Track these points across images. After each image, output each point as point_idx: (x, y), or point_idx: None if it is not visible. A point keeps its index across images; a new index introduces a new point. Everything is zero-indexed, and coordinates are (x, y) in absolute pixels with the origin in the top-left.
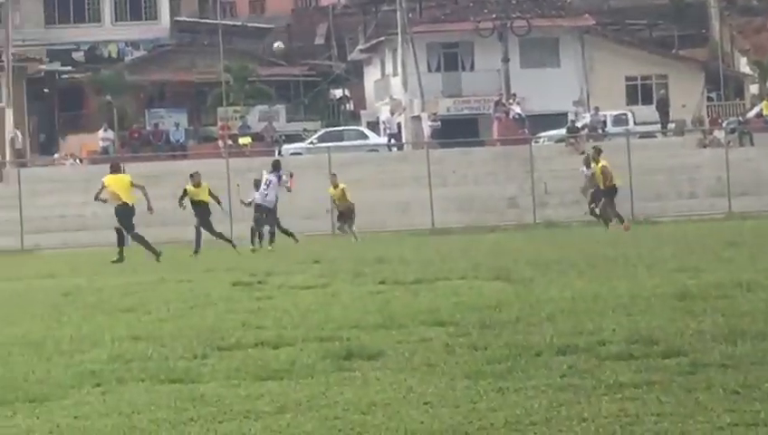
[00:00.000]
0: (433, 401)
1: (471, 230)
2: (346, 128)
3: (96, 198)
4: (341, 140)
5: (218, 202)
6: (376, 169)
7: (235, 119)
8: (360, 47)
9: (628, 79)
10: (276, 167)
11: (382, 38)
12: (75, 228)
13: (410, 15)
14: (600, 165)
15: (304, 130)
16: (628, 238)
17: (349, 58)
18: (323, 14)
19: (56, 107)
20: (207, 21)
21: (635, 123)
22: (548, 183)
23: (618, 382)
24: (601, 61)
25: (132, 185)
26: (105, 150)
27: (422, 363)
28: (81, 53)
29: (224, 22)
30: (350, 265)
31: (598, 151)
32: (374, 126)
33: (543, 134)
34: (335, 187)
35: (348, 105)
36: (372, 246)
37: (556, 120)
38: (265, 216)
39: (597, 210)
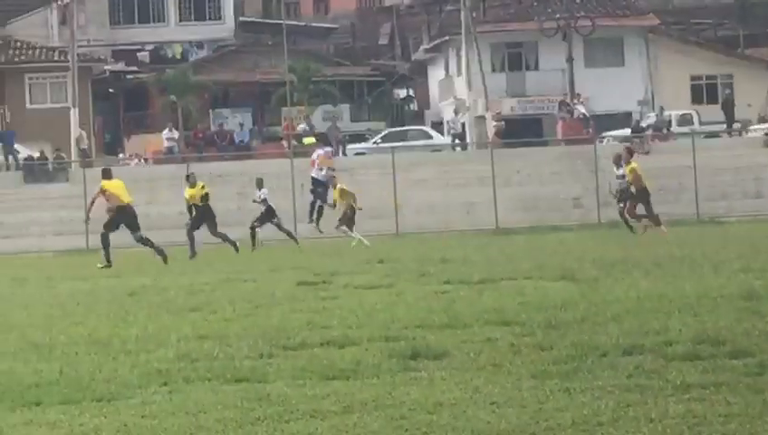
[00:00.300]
0: (499, 401)
1: (535, 230)
2: (410, 128)
3: (91, 204)
4: (405, 139)
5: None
6: (440, 169)
7: (300, 118)
8: (423, 47)
9: (693, 78)
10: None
11: (446, 38)
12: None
13: (474, 15)
14: (629, 166)
15: (368, 129)
16: (690, 239)
17: (413, 58)
18: (387, 13)
19: (121, 107)
20: (271, 21)
21: (700, 123)
22: (612, 183)
23: (685, 383)
24: (666, 60)
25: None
26: (170, 151)
27: (488, 363)
28: (146, 54)
29: (288, 22)
30: (415, 264)
31: (630, 152)
32: (438, 126)
33: (608, 134)
34: (334, 187)
35: (412, 105)
36: (436, 246)
37: (620, 119)
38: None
39: (625, 212)
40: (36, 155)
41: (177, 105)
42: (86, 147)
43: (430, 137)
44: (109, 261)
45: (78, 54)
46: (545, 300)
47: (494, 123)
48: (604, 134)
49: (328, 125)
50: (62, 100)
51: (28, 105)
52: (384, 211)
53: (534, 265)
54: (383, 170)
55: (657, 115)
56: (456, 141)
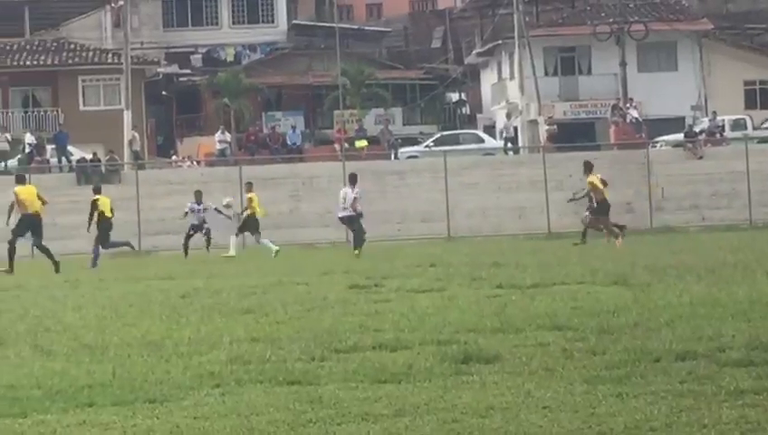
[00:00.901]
0: (551, 406)
1: (588, 235)
2: (462, 131)
3: (10, 210)
4: (458, 143)
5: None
6: (492, 173)
7: (352, 122)
8: (476, 51)
9: (746, 83)
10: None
11: (499, 42)
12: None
13: (527, 19)
14: (588, 179)
15: (420, 133)
16: (743, 244)
17: (465, 61)
18: (440, 17)
19: (174, 109)
20: (325, 24)
21: (753, 128)
22: (665, 188)
23: (738, 389)
24: (719, 65)
25: (39, 196)
26: (222, 153)
27: (540, 368)
28: (199, 57)
29: (341, 25)
30: (467, 268)
31: (588, 166)
32: (490, 130)
33: (661, 139)
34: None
35: (464, 109)
36: (488, 250)
37: (673, 124)
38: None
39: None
40: (89, 157)
41: (229, 108)
42: (139, 149)
43: (482, 140)
44: (56, 263)
45: (131, 57)
46: (598, 305)
47: (547, 127)
48: (657, 139)
49: (380, 128)
50: (115, 102)
51: (81, 107)
52: (435, 215)
53: (587, 270)
54: (435, 174)
55: (710, 120)
56: (509, 145)
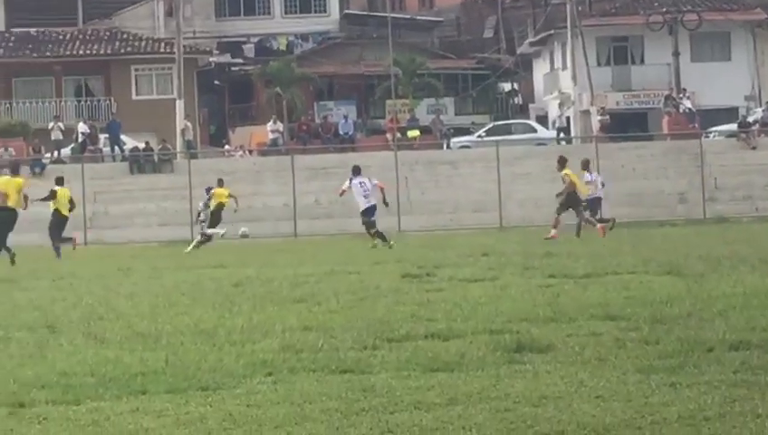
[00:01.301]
0: (604, 395)
1: (640, 225)
2: (514, 121)
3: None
4: (510, 133)
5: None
6: (544, 163)
7: (404, 112)
8: (529, 40)
9: None
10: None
11: (551, 31)
12: (244, 219)
13: (580, 9)
14: (563, 172)
15: (472, 123)
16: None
17: (518, 51)
18: (492, 7)
19: (226, 99)
20: (377, 14)
21: None
22: (718, 178)
23: None
24: None
25: (21, 191)
26: (274, 142)
27: (593, 357)
28: (251, 46)
29: (393, 15)
30: (519, 258)
31: (562, 161)
32: (542, 119)
33: (714, 129)
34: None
35: (516, 99)
36: (541, 240)
37: (726, 114)
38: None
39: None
40: (142, 146)
41: (281, 97)
42: (191, 138)
43: (534, 130)
44: (12, 255)
45: (184, 46)
46: (651, 295)
47: (599, 117)
48: (710, 129)
49: (432, 118)
50: (167, 91)
51: (134, 96)
52: (487, 205)
53: (639, 260)
54: (487, 164)
55: (763, 110)
56: (561, 135)
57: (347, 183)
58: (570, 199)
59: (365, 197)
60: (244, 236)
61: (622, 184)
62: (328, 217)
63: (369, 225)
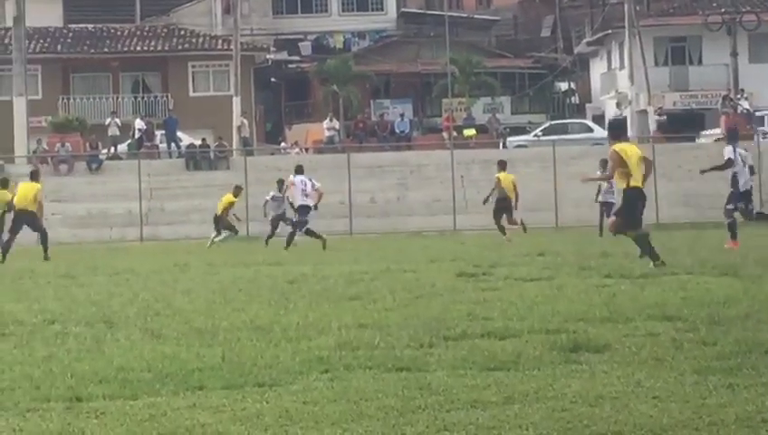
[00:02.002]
0: (661, 396)
1: (696, 226)
2: (571, 121)
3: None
4: (566, 133)
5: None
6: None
7: (460, 110)
8: (586, 40)
9: None
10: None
11: (609, 31)
12: None
13: (638, 8)
14: (497, 175)
15: (529, 122)
16: None
17: (575, 51)
18: (550, 6)
19: (282, 96)
20: (434, 12)
21: None
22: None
23: None
24: None
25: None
26: (330, 140)
27: (650, 358)
28: (308, 44)
29: (450, 13)
30: (575, 258)
31: (501, 164)
32: (599, 119)
33: None
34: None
35: (573, 98)
36: (597, 240)
37: None
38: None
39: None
40: (198, 143)
41: (338, 95)
42: (247, 135)
43: (591, 130)
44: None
45: (241, 43)
46: (708, 296)
47: (656, 117)
48: None
49: (488, 117)
50: (224, 88)
51: (191, 93)
52: (543, 204)
53: (696, 261)
54: (543, 163)
55: None
56: None
57: (291, 177)
58: (501, 204)
59: (305, 195)
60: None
61: (678, 185)
62: (383, 216)
63: (301, 224)
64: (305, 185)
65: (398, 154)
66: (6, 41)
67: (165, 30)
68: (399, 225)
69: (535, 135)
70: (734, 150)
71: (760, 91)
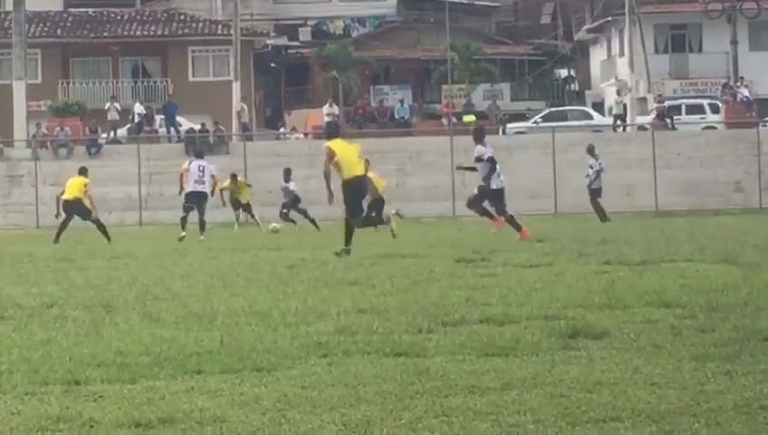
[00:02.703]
0: (660, 382)
1: (695, 213)
2: (571, 108)
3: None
4: (566, 120)
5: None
6: (600, 150)
7: (460, 97)
8: (586, 27)
9: None
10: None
11: (609, 18)
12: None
13: None
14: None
15: (528, 109)
16: None
17: (575, 38)
18: None
19: (282, 81)
20: None
21: None
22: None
23: None
24: None
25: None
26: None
27: (648, 344)
28: (308, 29)
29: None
30: (574, 244)
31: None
32: (598, 106)
33: None
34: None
35: (573, 85)
36: (595, 227)
37: None
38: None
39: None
40: (197, 127)
41: (337, 81)
42: (247, 120)
43: (591, 117)
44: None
45: (241, 28)
46: (706, 283)
47: (656, 105)
48: (767, 118)
49: (488, 104)
50: (224, 73)
51: (190, 78)
52: (543, 191)
53: (695, 248)
54: (543, 150)
55: None
56: (618, 123)
57: (186, 163)
58: (374, 202)
59: (196, 182)
60: (275, 231)
61: (678, 172)
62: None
63: (187, 209)
64: (202, 170)
65: (398, 140)
66: (6, 25)
67: (165, 15)
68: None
69: (534, 122)
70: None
71: (760, 79)
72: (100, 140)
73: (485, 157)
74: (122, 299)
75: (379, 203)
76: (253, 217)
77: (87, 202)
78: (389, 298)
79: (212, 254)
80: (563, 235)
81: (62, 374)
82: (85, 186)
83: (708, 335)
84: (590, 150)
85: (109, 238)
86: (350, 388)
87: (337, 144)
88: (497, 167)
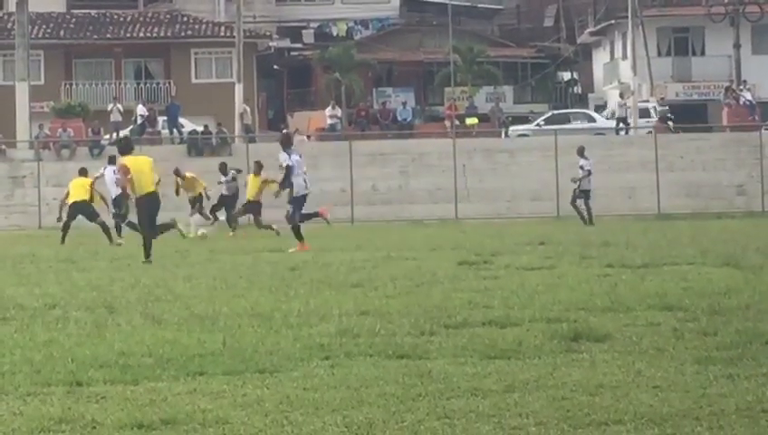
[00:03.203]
0: (662, 385)
1: (698, 216)
2: (573, 110)
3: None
4: (568, 122)
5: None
6: (602, 153)
7: (462, 99)
8: (589, 30)
9: None
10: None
11: (612, 21)
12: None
13: None
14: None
15: (531, 112)
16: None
17: (578, 41)
18: None
19: (285, 84)
20: (437, 1)
21: None
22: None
23: None
24: None
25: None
26: (332, 128)
27: (650, 347)
28: (311, 31)
29: (453, 2)
30: (577, 247)
31: (258, 165)
32: (601, 109)
33: None
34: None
35: (575, 88)
36: (598, 230)
37: None
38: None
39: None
40: (200, 129)
41: (340, 83)
42: (249, 122)
43: (593, 120)
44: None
45: (243, 30)
46: (709, 286)
47: (659, 108)
48: None
49: (491, 106)
50: (226, 75)
51: (193, 80)
52: (545, 194)
53: (697, 251)
54: (545, 153)
55: None
56: (621, 125)
57: (102, 169)
58: (250, 206)
59: (117, 186)
60: (203, 237)
61: (680, 175)
62: (385, 204)
63: (119, 217)
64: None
65: (400, 142)
66: (9, 26)
67: (168, 16)
68: (401, 213)
69: (537, 124)
70: (291, 157)
71: (762, 82)
72: (102, 142)
73: (285, 165)
74: (125, 300)
75: (255, 205)
76: (198, 212)
77: (97, 201)
78: (392, 300)
79: (214, 256)
80: (565, 238)
81: (65, 375)
82: (90, 186)
83: (711, 338)
84: (580, 151)
85: (111, 240)
86: (353, 390)
87: (130, 160)
88: (300, 172)
